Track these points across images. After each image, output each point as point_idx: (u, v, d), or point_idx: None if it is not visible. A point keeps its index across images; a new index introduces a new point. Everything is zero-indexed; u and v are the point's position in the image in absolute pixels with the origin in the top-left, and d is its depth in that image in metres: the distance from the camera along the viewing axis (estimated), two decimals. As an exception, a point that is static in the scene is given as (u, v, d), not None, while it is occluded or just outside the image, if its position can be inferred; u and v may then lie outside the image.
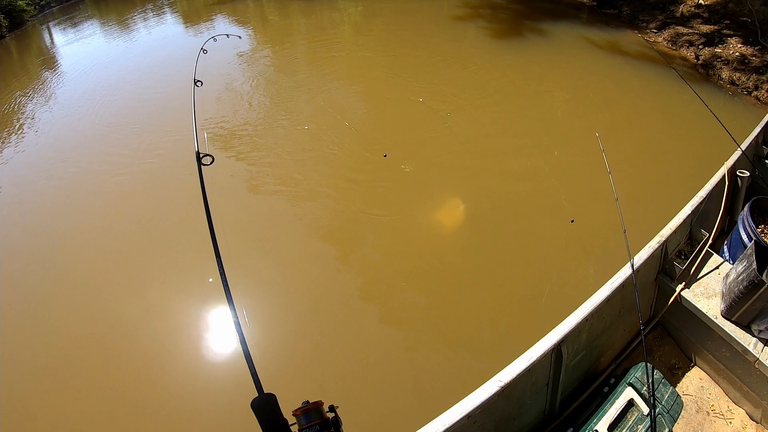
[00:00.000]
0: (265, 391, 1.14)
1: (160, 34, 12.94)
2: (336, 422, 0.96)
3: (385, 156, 5.67)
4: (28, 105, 9.92)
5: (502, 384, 2.25)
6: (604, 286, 2.85)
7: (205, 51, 4.25)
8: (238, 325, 1.53)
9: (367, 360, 3.85)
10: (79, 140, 7.92)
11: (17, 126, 9.07)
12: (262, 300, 4.49)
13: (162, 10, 16.23)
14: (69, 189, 6.72)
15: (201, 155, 2.29)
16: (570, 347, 2.63)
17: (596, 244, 4.54)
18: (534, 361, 2.38)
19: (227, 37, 5.29)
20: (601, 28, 8.63)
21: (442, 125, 6.45)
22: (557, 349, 2.54)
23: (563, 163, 5.52)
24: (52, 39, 16.20)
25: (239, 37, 3.84)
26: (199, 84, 3.62)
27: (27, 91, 10.55)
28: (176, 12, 15.91)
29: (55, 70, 11.65)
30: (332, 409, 0.99)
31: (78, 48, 13.52)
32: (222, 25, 12.53)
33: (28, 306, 4.91)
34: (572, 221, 4.77)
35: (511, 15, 8.71)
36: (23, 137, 8.58)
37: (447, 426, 2.10)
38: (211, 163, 2.34)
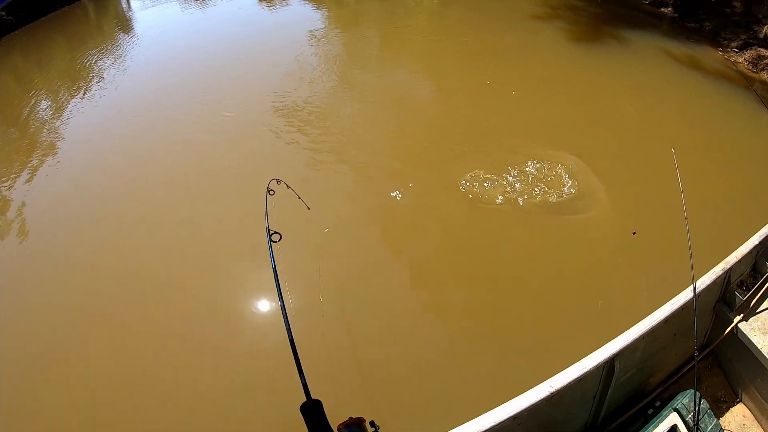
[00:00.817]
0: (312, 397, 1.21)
1: (235, 5, 13.14)
2: None
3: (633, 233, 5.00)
4: (100, 64, 10.45)
5: (552, 390, 2.25)
6: (664, 306, 2.79)
7: (271, 192, 4.30)
8: (288, 330, 1.61)
9: (415, 358, 3.91)
10: (146, 100, 8.31)
11: (90, 82, 9.61)
12: (312, 302, 4.52)
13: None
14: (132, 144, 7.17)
15: (271, 231, 2.31)
16: (623, 363, 2.60)
17: (655, 262, 4.42)
18: (586, 372, 2.37)
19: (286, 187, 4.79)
20: (681, 41, 8.25)
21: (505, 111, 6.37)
22: (610, 363, 2.52)
23: (631, 173, 5.37)
24: (129, 3, 16.86)
25: (299, 197, 3.73)
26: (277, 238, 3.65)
27: (101, 51, 11.07)
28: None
29: (128, 33, 12.13)
30: (373, 424, 1.03)
31: (153, 13, 14.00)
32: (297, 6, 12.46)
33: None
34: (634, 233, 4.65)
35: (590, 18, 8.45)
36: (94, 93, 9.12)
37: (493, 424, 2.14)
38: (280, 240, 2.36)
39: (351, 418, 1.11)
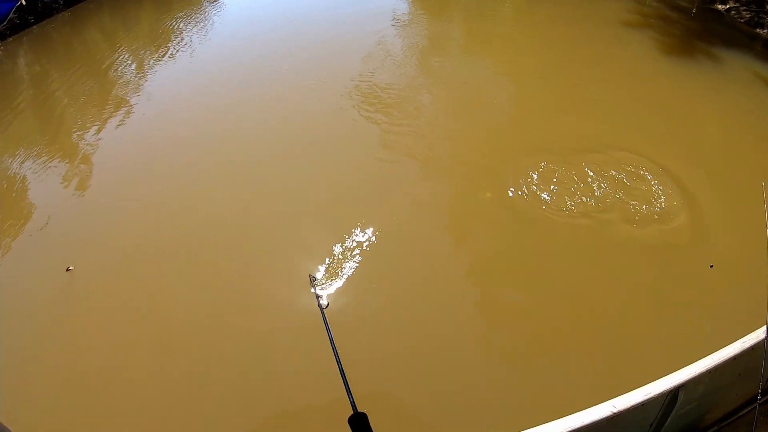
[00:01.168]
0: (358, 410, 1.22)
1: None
2: None
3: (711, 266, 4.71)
4: (183, 29, 10.88)
5: (614, 411, 2.25)
6: (734, 343, 2.72)
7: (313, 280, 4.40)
8: (333, 344, 1.63)
9: (469, 370, 3.92)
10: (223, 70, 8.63)
11: (171, 46, 10.08)
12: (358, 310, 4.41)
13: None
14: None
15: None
16: (686, 394, 2.55)
17: (728, 295, 4.24)
18: (650, 398, 2.35)
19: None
20: (775, 65, 7.71)
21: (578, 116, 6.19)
22: (674, 393, 2.48)
23: (714, 200, 5.10)
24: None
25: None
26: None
27: (186, 16, 11.47)
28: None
29: (215, 3, 12.46)
30: None
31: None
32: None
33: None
34: (711, 266, 4.46)
35: (683, 31, 8.02)
36: (175, 56, 9.59)
37: None
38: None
39: None
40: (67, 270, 4.80)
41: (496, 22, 9.67)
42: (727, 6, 9.47)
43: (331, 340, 1.82)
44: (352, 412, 1.28)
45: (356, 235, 4.96)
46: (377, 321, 4.25)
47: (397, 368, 3.91)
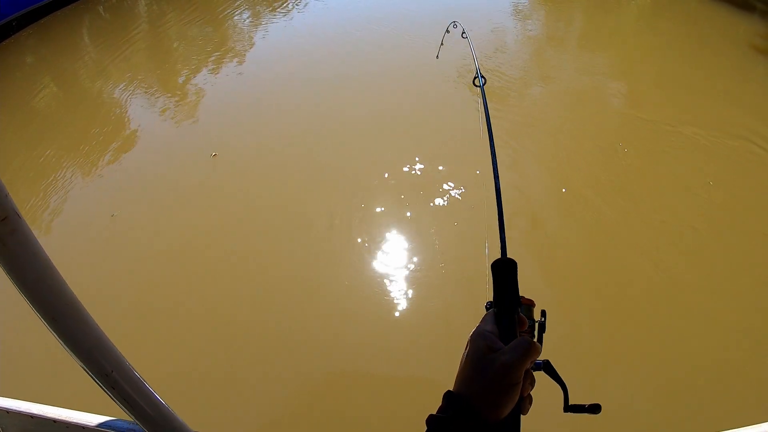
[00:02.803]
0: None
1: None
2: (541, 327, 0.93)
3: None
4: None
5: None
6: None
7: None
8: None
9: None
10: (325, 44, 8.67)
11: (282, 8, 10.32)
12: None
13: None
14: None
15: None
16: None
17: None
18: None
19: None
20: None
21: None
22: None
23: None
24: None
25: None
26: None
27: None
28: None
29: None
30: (543, 314, 0.94)
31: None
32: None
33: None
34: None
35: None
36: (292, 16, 9.88)
37: None
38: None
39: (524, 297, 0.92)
40: (213, 156, 5.67)
41: (617, 24, 8.95)
42: None
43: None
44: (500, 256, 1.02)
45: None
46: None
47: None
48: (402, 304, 3.99)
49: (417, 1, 9.84)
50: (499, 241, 1.05)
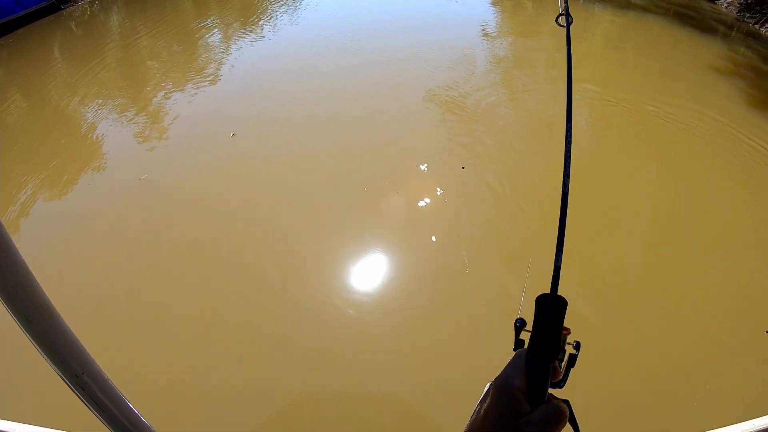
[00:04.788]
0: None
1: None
2: (571, 360, 0.80)
3: None
4: (273, 8, 11.31)
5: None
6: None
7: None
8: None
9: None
10: (302, 56, 8.88)
11: (259, 23, 10.54)
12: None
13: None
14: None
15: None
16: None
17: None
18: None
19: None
20: None
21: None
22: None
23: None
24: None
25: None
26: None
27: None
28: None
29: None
30: (577, 347, 0.80)
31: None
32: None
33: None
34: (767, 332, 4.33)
35: (774, 88, 7.63)
36: (263, 33, 10.05)
37: None
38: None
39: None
40: (232, 135, 6.55)
41: (584, 50, 9.40)
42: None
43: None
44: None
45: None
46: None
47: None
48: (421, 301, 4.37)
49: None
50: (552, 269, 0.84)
